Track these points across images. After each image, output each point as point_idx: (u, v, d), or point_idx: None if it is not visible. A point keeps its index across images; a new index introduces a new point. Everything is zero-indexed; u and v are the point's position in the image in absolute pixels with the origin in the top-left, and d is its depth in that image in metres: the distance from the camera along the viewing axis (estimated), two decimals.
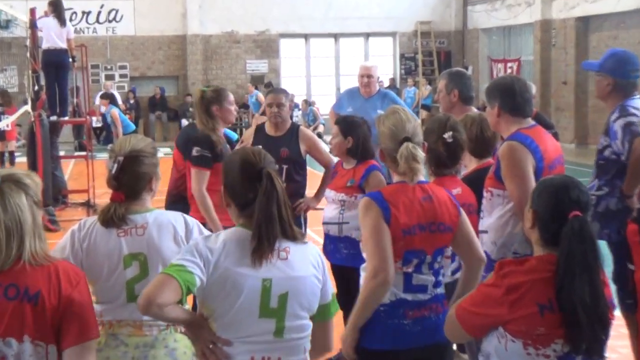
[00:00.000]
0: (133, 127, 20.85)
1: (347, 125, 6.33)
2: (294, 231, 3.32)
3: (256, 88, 27.39)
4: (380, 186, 6.10)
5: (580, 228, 3.11)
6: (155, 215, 3.83)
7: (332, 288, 3.48)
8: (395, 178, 4.10)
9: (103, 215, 3.80)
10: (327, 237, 6.29)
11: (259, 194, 3.23)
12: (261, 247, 3.21)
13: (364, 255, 4.00)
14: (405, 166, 3.95)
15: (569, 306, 3.08)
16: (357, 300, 3.97)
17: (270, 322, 3.24)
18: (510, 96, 4.93)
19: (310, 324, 3.37)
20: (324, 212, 6.39)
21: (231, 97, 6.59)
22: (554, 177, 3.50)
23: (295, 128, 7.15)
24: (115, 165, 3.77)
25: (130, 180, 3.80)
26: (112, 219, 3.77)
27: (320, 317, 3.42)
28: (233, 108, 6.57)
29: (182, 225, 3.86)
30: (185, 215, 3.94)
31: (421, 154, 3.99)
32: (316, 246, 3.51)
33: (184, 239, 3.81)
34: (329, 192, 6.33)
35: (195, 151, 6.33)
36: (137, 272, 3.76)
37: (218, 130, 6.47)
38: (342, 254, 6.18)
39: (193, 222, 3.90)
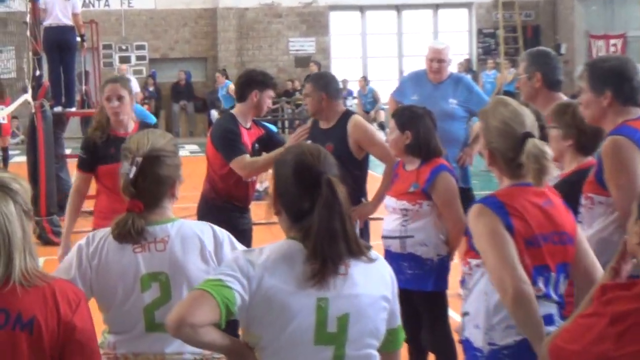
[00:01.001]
0: (153, 119, 20.76)
1: (405, 118, 6.26)
2: (360, 247, 3.29)
3: (227, 78, 26.03)
4: (451, 191, 6.11)
5: None
6: (179, 226, 3.84)
7: (399, 311, 3.45)
8: (506, 182, 4.06)
9: (119, 228, 3.79)
10: (388, 254, 6.18)
11: (318, 205, 3.20)
12: (325, 269, 3.18)
13: (487, 266, 3.90)
14: (536, 167, 3.88)
15: None
16: (523, 330, 3.87)
17: (328, 350, 3.22)
18: (625, 82, 4.86)
19: (377, 355, 3.35)
20: (383, 224, 6.34)
21: (111, 92, 6.81)
22: None
23: (345, 117, 7.13)
24: (133, 168, 3.76)
25: (150, 186, 3.79)
26: (130, 233, 3.76)
27: (387, 346, 3.39)
28: (116, 103, 6.82)
29: (211, 237, 3.86)
30: (214, 225, 3.94)
31: (550, 152, 3.95)
32: (381, 258, 3.47)
33: (212, 254, 3.81)
34: (389, 200, 6.25)
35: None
36: (158, 296, 3.76)
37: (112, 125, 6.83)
38: (405, 274, 6.10)
39: (224, 234, 3.90)
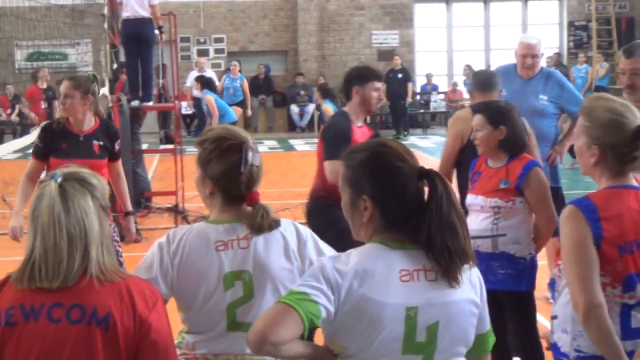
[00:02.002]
0: (234, 117, 20.74)
1: (497, 113, 6.21)
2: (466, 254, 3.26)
3: (206, 87, 23.90)
4: (544, 187, 6.08)
5: None
6: None
7: (488, 315, 3.44)
8: (605, 183, 3.99)
9: (259, 220, 3.86)
10: (477, 254, 6.11)
11: (433, 201, 3.17)
12: (452, 267, 3.18)
13: (565, 278, 3.89)
14: None
15: None
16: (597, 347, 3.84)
17: (416, 359, 3.20)
18: None
19: None
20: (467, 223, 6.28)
21: (62, 88, 7.27)
22: None
23: None
24: (258, 155, 3.88)
25: (259, 173, 3.91)
26: (270, 224, 3.86)
27: (476, 352, 3.38)
28: (68, 100, 7.23)
29: (294, 235, 3.88)
30: (297, 223, 3.96)
31: None
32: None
33: (296, 253, 3.83)
34: (475, 199, 6.17)
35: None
36: (240, 294, 3.79)
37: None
38: (497, 275, 6.08)
39: (307, 232, 3.92)
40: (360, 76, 7.25)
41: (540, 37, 8.85)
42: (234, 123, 19.40)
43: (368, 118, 22.77)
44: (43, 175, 7.34)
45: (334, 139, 7.04)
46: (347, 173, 3.41)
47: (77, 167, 3.33)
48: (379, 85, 7.26)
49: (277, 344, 3.03)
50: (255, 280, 3.78)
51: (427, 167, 3.29)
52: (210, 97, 20.13)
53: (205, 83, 20.72)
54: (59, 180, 3.17)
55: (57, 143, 7.26)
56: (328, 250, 3.87)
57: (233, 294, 3.78)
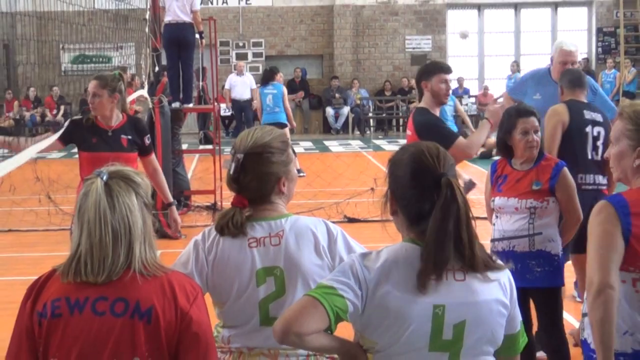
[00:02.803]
0: (283, 119, 19.52)
1: (538, 115, 6.26)
2: (475, 258, 3.21)
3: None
4: (573, 187, 6.13)
5: None
6: (293, 222, 3.86)
7: (520, 316, 3.41)
8: (638, 183, 3.97)
9: (218, 220, 3.86)
10: (511, 254, 6.08)
11: (436, 207, 3.15)
12: (426, 271, 3.14)
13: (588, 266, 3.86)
14: None
15: None
16: (592, 329, 3.85)
17: (442, 356, 3.19)
18: None
19: None
20: (495, 226, 6.26)
21: (91, 87, 7.46)
22: None
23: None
24: (234, 165, 3.82)
25: (252, 182, 3.82)
26: (228, 226, 3.80)
27: (506, 352, 3.36)
28: (97, 99, 7.42)
29: (325, 232, 3.85)
30: (327, 221, 3.94)
31: None
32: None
33: (326, 249, 3.81)
34: (507, 201, 6.14)
35: None
36: (273, 290, 3.78)
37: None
38: (534, 273, 6.10)
39: (337, 229, 3.89)
40: (426, 72, 7.14)
41: (577, 45, 8.81)
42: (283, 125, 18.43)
43: None
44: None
45: (436, 128, 6.91)
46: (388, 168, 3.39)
47: (122, 165, 3.36)
48: (446, 76, 7.06)
49: (301, 335, 3.06)
50: (287, 276, 3.77)
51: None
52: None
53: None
54: (105, 177, 3.20)
55: (87, 137, 7.42)
56: (358, 247, 3.83)
57: (266, 289, 3.78)
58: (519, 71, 27.24)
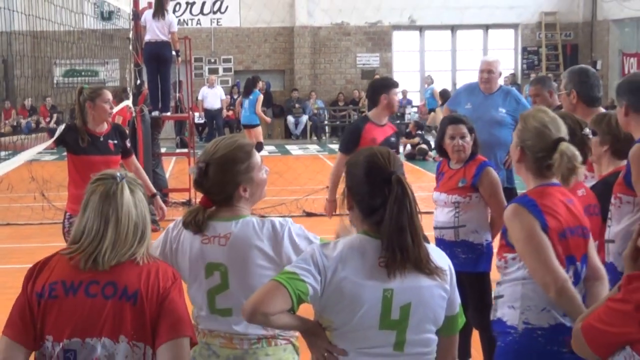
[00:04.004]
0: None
1: (469, 123, 6.33)
2: (421, 248, 3.22)
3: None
4: (495, 183, 6.14)
5: None
6: (243, 225, 3.75)
7: (459, 299, 3.42)
8: (533, 183, 3.98)
9: (185, 217, 3.83)
10: (441, 242, 6.22)
11: (389, 202, 3.17)
12: (394, 260, 3.16)
13: (527, 267, 3.82)
14: (568, 166, 3.85)
15: None
16: (571, 316, 3.78)
17: (390, 334, 3.21)
18: (638, 94, 4.81)
19: (436, 338, 3.32)
20: (434, 216, 6.34)
21: (106, 96, 7.40)
22: None
23: None
24: (197, 171, 3.78)
25: (213, 188, 3.78)
26: (191, 222, 3.78)
27: (446, 331, 3.37)
28: (108, 106, 7.42)
29: (270, 235, 3.74)
30: (276, 222, 3.80)
31: (580, 156, 3.91)
32: (444, 253, 3.44)
33: (271, 249, 3.72)
34: (439, 195, 6.26)
35: None
36: (218, 283, 3.76)
37: (88, 124, 7.40)
38: (459, 259, 6.13)
39: (284, 231, 3.75)
40: (385, 86, 7.53)
41: (498, 59, 8.98)
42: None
43: None
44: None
45: (346, 135, 7.62)
46: (345, 169, 3.42)
47: (124, 169, 3.39)
48: (398, 90, 7.68)
49: (267, 314, 3.08)
50: (230, 273, 3.73)
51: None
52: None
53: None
54: (124, 180, 3.23)
55: (79, 142, 7.34)
56: (304, 245, 3.71)
57: (212, 281, 3.76)
58: (432, 83, 27.35)
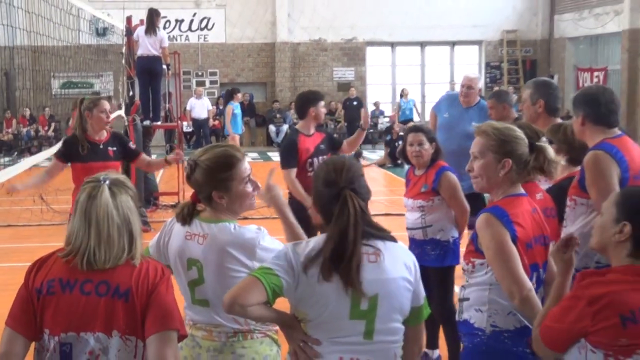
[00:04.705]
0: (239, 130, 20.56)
1: (430, 133, 6.40)
2: (379, 229, 3.30)
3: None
4: (453, 186, 6.19)
5: None
6: (220, 229, 3.75)
7: (424, 292, 3.44)
8: (502, 193, 3.92)
9: (177, 209, 3.89)
10: (413, 241, 6.37)
11: (335, 215, 3.22)
12: (324, 266, 3.18)
13: (495, 274, 3.78)
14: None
15: None
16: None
17: (360, 323, 3.23)
18: (594, 106, 4.85)
19: (402, 327, 3.34)
20: (405, 218, 6.41)
21: (102, 106, 7.35)
22: (636, 189, 3.43)
23: None
24: (188, 167, 3.83)
25: (195, 186, 3.83)
26: (180, 214, 3.85)
27: (413, 321, 3.39)
28: (104, 116, 7.37)
29: (243, 243, 3.72)
30: (250, 228, 3.78)
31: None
32: (406, 248, 3.46)
33: (243, 256, 3.70)
34: (407, 201, 6.42)
35: None
36: (196, 277, 3.78)
37: (88, 132, 7.38)
38: (429, 255, 6.26)
39: (257, 241, 3.73)
40: (313, 99, 7.51)
41: (478, 76, 9.02)
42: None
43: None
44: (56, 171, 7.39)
45: (284, 152, 7.48)
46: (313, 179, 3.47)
47: (116, 172, 3.37)
48: (323, 103, 7.59)
49: (244, 306, 3.11)
50: (205, 270, 3.74)
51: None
52: (229, 108, 20.10)
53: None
54: (108, 183, 3.18)
55: (80, 151, 7.31)
56: (277, 244, 3.72)
57: (191, 274, 3.78)
58: (406, 95, 27.39)
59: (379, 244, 3.28)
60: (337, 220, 3.20)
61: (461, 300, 3.96)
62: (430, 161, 6.29)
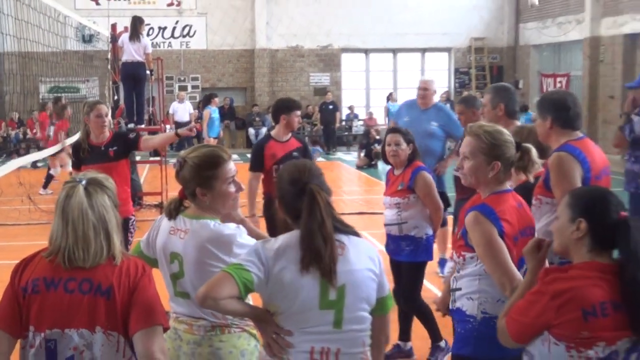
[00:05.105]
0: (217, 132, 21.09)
1: (409, 134, 6.43)
2: (344, 225, 3.35)
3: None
4: (428, 185, 6.24)
5: (636, 226, 3.09)
6: (201, 225, 3.76)
7: (388, 284, 3.47)
8: (488, 191, 3.94)
9: (166, 204, 3.93)
10: (389, 237, 6.43)
11: (303, 209, 3.24)
12: (305, 259, 3.21)
13: (486, 268, 3.81)
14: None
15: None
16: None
17: (329, 313, 3.25)
18: (563, 110, 4.87)
19: (370, 317, 3.37)
20: (384, 215, 6.45)
21: (98, 111, 7.33)
22: (591, 188, 3.55)
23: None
24: (177, 164, 3.85)
25: (182, 182, 3.83)
26: (167, 209, 3.87)
27: (379, 311, 3.42)
28: (101, 120, 7.30)
29: (220, 240, 3.71)
30: (228, 227, 3.77)
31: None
32: (369, 243, 3.50)
33: (220, 253, 3.70)
34: (385, 199, 6.45)
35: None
36: (177, 270, 3.79)
37: (90, 136, 7.36)
38: (405, 251, 6.32)
39: (232, 238, 3.73)
40: (286, 107, 7.48)
41: (433, 79, 9.17)
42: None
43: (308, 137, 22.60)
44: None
45: (251, 155, 7.56)
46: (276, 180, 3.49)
47: (96, 172, 3.33)
48: (299, 112, 7.55)
49: (216, 299, 3.12)
50: (185, 264, 3.75)
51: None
52: (207, 112, 20.47)
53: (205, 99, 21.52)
54: (84, 183, 3.16)
55: (85, 154, 7.31)
56: (250, 241, 3.72)
57: (173, 268, 3.79)
58: (395, 100, 27.48)
59: (344, 237, 3.32)
60: (310, 214, 3.22)
61: (454, 290, 4.02)
62: (408, 161, 6.31)
